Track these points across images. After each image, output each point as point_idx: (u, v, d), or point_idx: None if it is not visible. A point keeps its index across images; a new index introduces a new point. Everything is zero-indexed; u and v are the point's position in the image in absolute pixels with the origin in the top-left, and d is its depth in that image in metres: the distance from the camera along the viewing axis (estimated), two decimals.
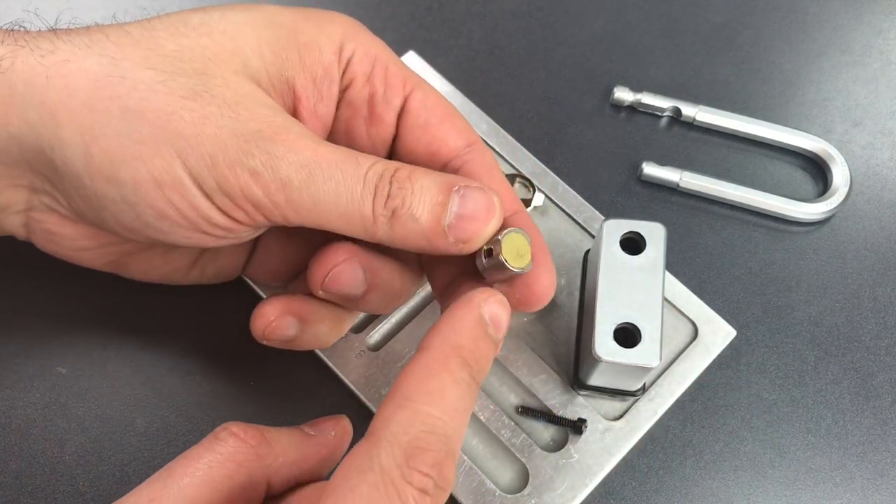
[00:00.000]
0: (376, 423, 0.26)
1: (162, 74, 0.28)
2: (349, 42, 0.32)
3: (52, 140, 0.28)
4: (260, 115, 0.28)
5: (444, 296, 0.34)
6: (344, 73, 0.33)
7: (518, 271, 0.30)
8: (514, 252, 0.30)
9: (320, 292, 0.32)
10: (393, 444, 0.25)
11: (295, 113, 0.32)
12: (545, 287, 0.31)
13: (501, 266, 0.29)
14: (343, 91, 0.33)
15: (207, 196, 0.28)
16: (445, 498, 0.26)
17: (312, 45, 0.32)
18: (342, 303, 0.34)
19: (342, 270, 0.32)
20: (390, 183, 0.29)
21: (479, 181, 0.31)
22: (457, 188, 0.29)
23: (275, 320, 0.34)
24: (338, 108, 0.34)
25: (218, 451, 0.29)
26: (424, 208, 0.29)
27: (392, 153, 0.35)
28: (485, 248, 0.30)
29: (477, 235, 0.29)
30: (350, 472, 0.25)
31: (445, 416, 0.26)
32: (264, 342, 0.35)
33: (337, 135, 0.34)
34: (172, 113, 0.27)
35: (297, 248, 0.37)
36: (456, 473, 0.27)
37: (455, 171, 0.32)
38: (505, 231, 0.30)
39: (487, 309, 0.28)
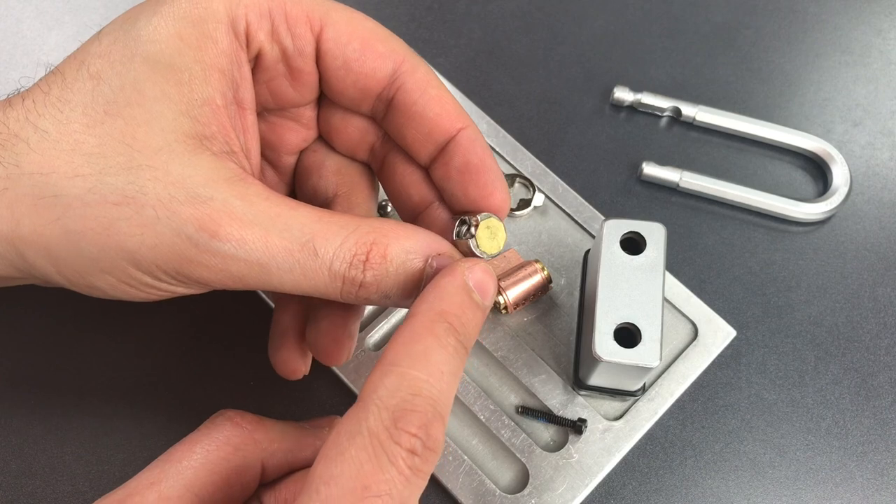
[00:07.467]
0: (364, 389, 0.26)
1: (89, 180, 0.27)
2: (237, 8, 0.29)
3: (21, 265, 0.29)
4: (198, 202, 0.27)
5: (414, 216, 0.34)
6: (248, 45, 0.31)
7: (486, 256, 0.30)
8: (487, 237, 0.30)
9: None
10: (381, 407, 0.25)
11: (223, 117, 0.30)
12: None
13: (469, 249, 0.30)
14: (256, 61, 0.31)
15: (172, 280, 0.28)
16: (435, 460, 0.26)
17: (206, 41, 0.29)
18: None
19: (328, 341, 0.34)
20: (364, 270, 0.28)
21: (419, 101, 0.31)
22: (430, 260, 0.29)
23: (303, 364, 0.35)
24: (256, 79, 0.32)
25: (215, 435, 0.30)
26: (398, 288, 0.29)
27: (321, 97, 0.34)
28: (462, 222, 0.30)
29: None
30: (339, 438, 0.25)
31: (432, 379, 0.26)
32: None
33: (261, 96, 0.33)
34: (109, 226, 0.27)
35: None
36: (445, 440, 0.27)
37: (390, 100, 0.32)
38: (483, 216, 0.30)
39: (472, 276, 0.28)
